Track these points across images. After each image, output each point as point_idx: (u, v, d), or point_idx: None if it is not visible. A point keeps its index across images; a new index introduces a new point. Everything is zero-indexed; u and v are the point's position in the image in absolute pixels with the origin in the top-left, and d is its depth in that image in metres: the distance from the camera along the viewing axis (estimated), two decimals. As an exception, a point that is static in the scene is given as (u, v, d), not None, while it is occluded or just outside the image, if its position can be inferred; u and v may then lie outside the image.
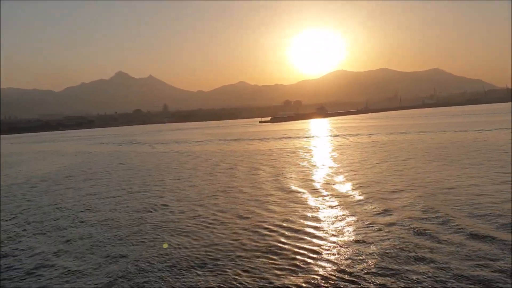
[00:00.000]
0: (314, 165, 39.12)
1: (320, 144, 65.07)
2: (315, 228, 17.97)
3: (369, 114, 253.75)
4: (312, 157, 46.84)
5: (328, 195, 24.45)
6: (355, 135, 79.90)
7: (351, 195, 24.27)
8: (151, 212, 23.58)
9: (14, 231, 21.26)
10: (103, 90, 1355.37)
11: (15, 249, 18.19)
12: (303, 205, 22.34)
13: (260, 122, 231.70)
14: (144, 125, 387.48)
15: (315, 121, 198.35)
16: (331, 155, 46.73)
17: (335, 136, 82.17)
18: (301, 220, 19.29)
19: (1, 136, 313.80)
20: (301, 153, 51.99)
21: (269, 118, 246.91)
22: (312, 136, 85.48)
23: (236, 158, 49.75)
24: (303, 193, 25.68)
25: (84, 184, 36.71)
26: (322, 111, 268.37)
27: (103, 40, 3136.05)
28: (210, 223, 20.16)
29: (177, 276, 13.73)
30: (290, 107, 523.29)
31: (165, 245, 17.10)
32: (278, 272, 13.40)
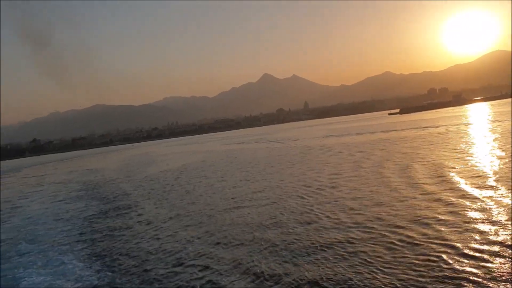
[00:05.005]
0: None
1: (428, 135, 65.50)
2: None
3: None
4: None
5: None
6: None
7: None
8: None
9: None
10: (251, 93, 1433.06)
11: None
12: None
13: (389, 114, 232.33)
14: (283, 123, 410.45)
15: (449, 110, 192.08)
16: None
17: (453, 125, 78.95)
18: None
19: (164, 140, 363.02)
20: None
21: (397, 110, 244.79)
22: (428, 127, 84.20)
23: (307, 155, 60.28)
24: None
25: (216, 174, 52.26)
26: (458, 99, 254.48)
27: (249, 44, 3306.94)
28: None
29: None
30: (436, 96, 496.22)
31: None
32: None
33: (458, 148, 42.79)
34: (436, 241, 16.04)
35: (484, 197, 21.44)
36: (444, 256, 14.49)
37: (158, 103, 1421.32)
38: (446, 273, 13.18)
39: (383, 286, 12.91)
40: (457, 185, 25.15)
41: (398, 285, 12.86)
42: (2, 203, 46.38)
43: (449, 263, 13.88)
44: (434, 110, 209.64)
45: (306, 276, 14.41)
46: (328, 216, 21.75)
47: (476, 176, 26.81)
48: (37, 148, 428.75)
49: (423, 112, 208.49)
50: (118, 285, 16.06)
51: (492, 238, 15.62)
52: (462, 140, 50.35)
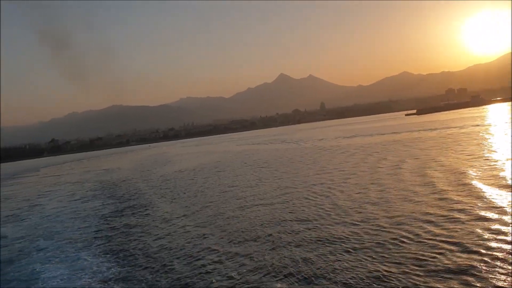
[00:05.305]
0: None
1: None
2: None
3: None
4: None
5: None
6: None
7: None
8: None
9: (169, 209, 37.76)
10: (267, 93, 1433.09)
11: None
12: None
13: (406, 115, 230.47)
14: (298, 124, 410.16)
15: (467, 111, 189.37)
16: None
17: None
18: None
19: (180, 140, 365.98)
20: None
21: (414, 111, 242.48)
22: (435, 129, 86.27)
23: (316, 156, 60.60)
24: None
25: (219, 174, 52.98)
26: (477, 99, 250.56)
27: (265, 44, 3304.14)
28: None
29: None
30: (454, 96, 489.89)
31: None
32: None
33: (467, 150, 42.45)
34: (439, 238, 16.43)
35: (488, 195, 22.08)
36: (448, 253, 14.82)
37: (174, 103, 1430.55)
38: (450, 268, 13.52)
39: (386, 280, 13.21)
40: (463, 185, 25.38)
41: (400, 277, 13.21)
42: (21, 201, 47.66)
43: (452, 259, 14.18)
44: (452, 111, 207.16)
45: (314, 272, 14.81)
46: (338, 214, 22.23)
47: (481, 177, 27.16)
48: (55, 148, 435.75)
49: (441, 113, 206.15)
50: (133, 279, 16.60)
51: (495, 235, 16.05)
52: (473, 141, 49.95)
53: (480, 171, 29.60)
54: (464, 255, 14.47)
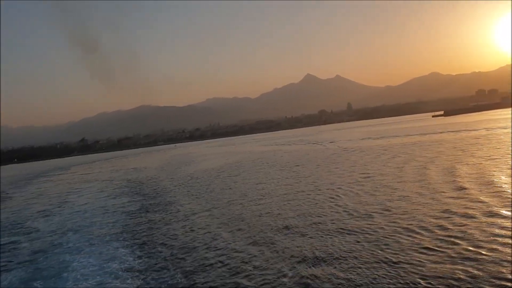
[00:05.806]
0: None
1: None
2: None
3: None
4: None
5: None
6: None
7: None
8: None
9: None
10: (293, 93, 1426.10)
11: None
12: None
13: (433, 116, 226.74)
14: (324, 125, 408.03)
15: (496, 112, 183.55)
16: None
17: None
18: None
19: (205, 140, 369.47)
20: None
21: (441, 112, 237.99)
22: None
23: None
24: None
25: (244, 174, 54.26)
26: (507, 101, 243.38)
27: (292, 45, 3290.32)
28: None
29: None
30: (485, 97, 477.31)
31: None
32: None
33: (480, 153, 42.25)
34: (450, 233, 17.29)
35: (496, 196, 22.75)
36: (461, 249, 15.62)
37: (201, 104, 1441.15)
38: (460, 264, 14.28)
39: (394, 270, 14.10)
40: (476, 187, 25.87)
41: (408, 267, 14.06)
42: (52, 197, 49.94)
43: (463, 254, 14.98)
44: (480, 113, 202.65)
45: (329, 261, 15.84)
46: (356, 210, 23.30)
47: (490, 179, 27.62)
48: (84, 147, 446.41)
49: (468, 114, 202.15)
50: (157, 268, 17.88)
51: (501, 231, 16.99)
52: (491, 145, 49.42)
53: (489, 172, 29.99)
54: (473, 248, 15.36)
